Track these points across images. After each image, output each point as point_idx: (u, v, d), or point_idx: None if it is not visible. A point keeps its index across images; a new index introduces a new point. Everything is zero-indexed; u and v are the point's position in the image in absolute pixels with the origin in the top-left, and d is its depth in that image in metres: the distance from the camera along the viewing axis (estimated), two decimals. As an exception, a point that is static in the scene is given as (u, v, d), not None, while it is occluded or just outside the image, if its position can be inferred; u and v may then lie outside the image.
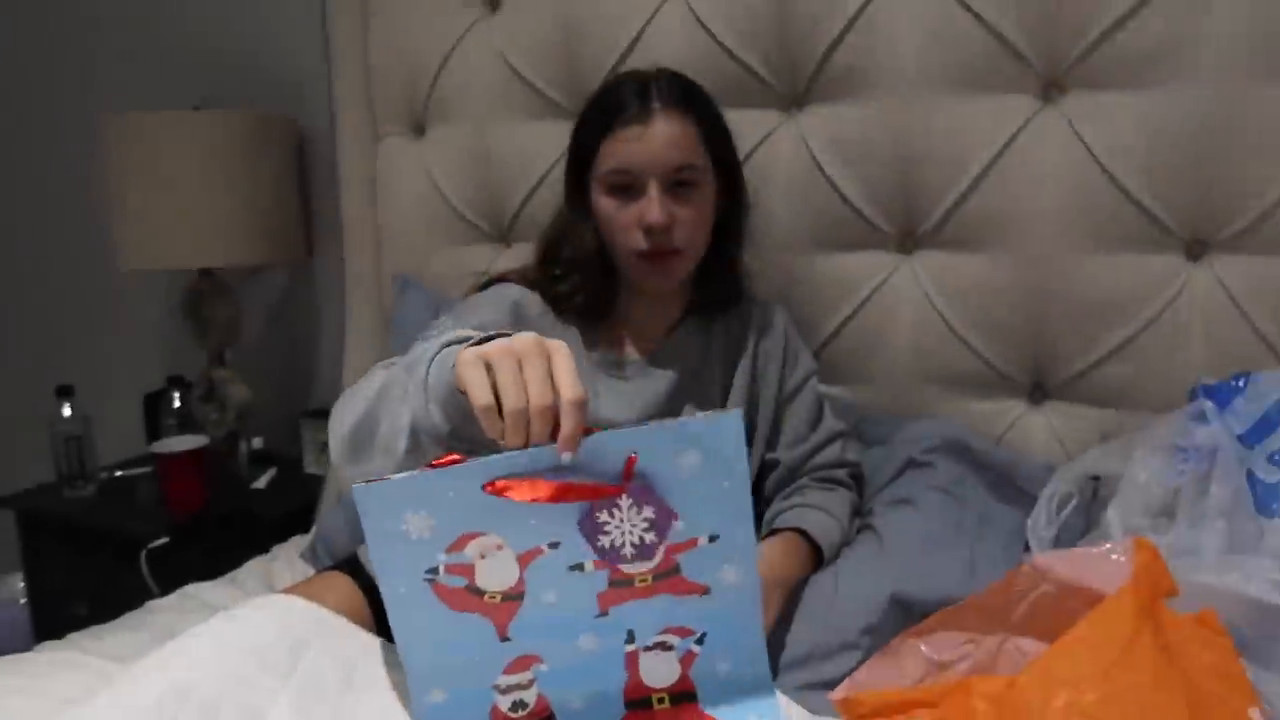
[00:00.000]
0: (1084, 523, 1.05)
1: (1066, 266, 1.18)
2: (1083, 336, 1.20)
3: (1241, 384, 0.94)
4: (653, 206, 1.03)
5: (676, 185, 1.04)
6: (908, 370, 1.31)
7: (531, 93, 1.49)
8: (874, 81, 1.24)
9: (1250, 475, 0.83)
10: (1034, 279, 1.21)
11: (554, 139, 1.46)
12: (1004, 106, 1.19)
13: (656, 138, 1.03)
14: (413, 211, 1.64)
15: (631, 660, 0.75)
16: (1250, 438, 0.87)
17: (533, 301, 1.11)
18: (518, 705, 0.75)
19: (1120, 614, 0.68)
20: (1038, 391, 1.27)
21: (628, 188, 1.05)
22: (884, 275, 1.30)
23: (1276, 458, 0.83)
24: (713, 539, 0.71)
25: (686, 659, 0.75)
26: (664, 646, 0.75)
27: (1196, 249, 1.14)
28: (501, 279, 1.15)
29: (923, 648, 0.78)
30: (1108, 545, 0.74)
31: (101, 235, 1.81)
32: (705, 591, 0.73)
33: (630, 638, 0.75)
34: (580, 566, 0.71)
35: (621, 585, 0.73)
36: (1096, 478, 1.09)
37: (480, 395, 0.67)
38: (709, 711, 0.76)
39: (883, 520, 1.09)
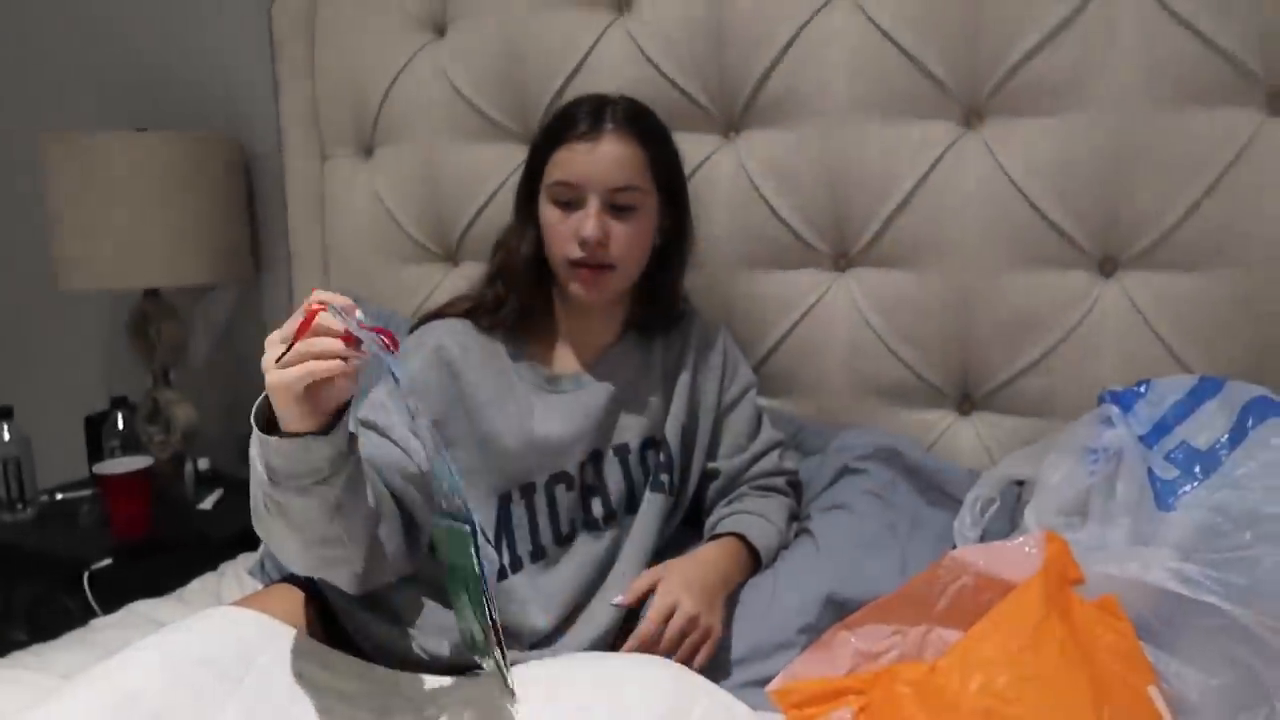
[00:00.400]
0: (1008, 525, 1.11)
1: (989, 283, 1.25)
2: (1005, 349, 1.26)
3: (1143, 389, 1.00)
4: (589, 221, 1.07)
5: (616, 206, 1.09)
6: (844, 383, 1.36)
7: (477, 116, 1.52)
8: (805, 108, 1.31)
9: (1150, 473, 0.89)
10: (959, 295, 1.27)
11: (500, 160, 1.51)
12: (928, 132, 1.26)
13: (603, 156, 1.08)
14: (361, 231, 1.67)
15: None
16: (1150, 438, 0.94)
17: (456, 333, 1.13)
18: None
19: (1029, 601, 0.73)
20: (966, 402, 1.33)
21: (570, 201, 1.09)
22: (820, 292, 1.36)
23: (1173, 456, 0.90)
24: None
25: None
26: None
27: (1108, 266, 1.22)
28: (435, 315, 1.17)
29: (853, 639, 0.82)
30: (1020, 539, 0.79)
31: (43, 255, 1.80)
32: None
33: None
34: None
35: None
36: (1021, 482, 1.15)
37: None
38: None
39: (818, 524, 1.14)
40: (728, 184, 1.37)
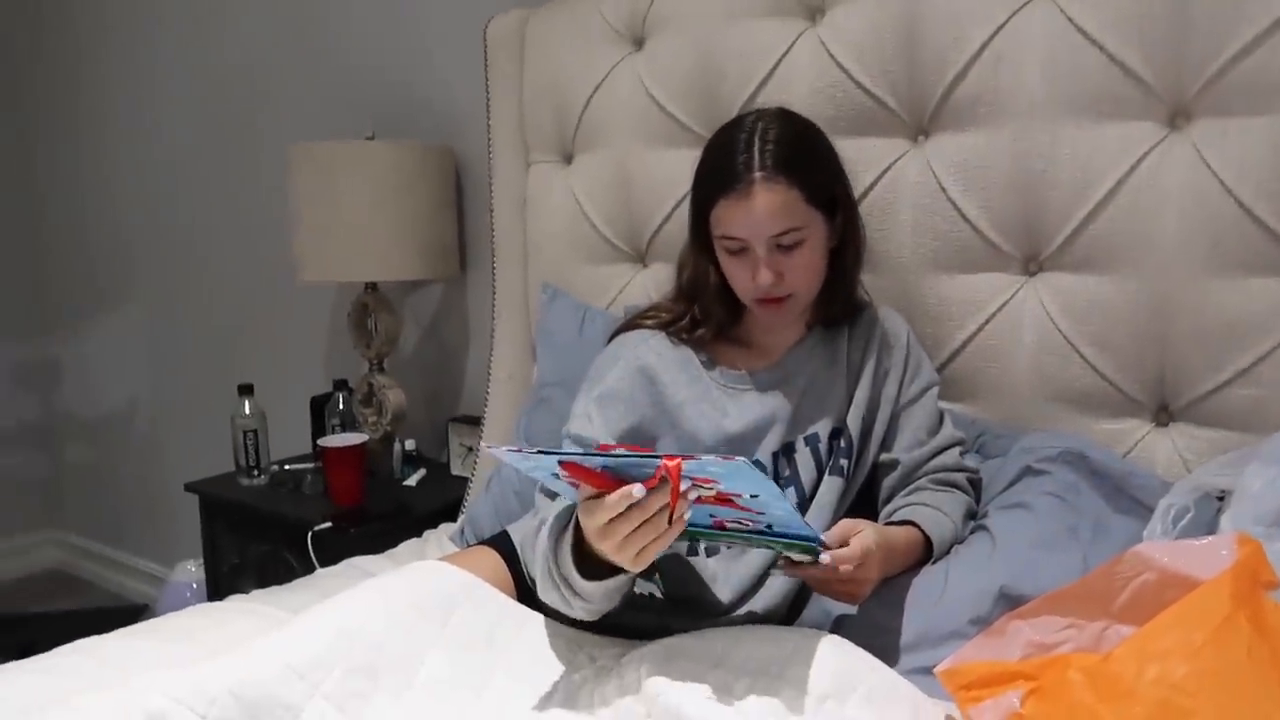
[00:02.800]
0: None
1: (1191, 289, 1.20)
2: (1209, 358, 1.21)
3: (1360, 397, 0.94)
4: (760, 272, 1.11)
5: (783, 245, 1.12)
6: (1030, 389, 1.34)
7: (671, 123, 1.60)
8: (999, 111, 1.30)
9: (1363, 482, 0.84)
10: (1159, 301, 1.23)
11: (690, 166, 1.56)
12: (1129, 133, 1.22)
13: (757, 209, 1.09)
14: (558, 233, 1.78)
15: None
16: (1364, 447, 0.88)
17: (650, 343, 1.20)
18: None
19: (1216, 598, 0.71)
20: (1163, 413, 1.28)
21: (740, 249, 1.13)
22: (1007, 296, 1.34)
23: (1389, 465, 0.84)
24: None
25: None
26: None
27: (1329, 273, 1.14)
28: (630, 326, 1.26)
29: (1026, 629, 0.83)
30: (1211, 539, 0.77)
31: (284, 251, 2.02)
32: None
33: None
34: None
35: None
36: (1222, 496, 1.10)
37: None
38: None
39: (996, 521, 1.13)
40: (914, 188, 1.38)
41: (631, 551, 0.85)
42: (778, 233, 1.10)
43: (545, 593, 1.00)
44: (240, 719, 0.90)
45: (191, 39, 2.61)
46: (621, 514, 0.83)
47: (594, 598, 0.96)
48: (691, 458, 0.81)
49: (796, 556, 0.96)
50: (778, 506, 0.88)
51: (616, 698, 0.94)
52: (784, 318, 1.18)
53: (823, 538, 0.97)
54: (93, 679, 1.04)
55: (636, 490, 0.81)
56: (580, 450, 0.84)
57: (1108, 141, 1.23)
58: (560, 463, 0.82)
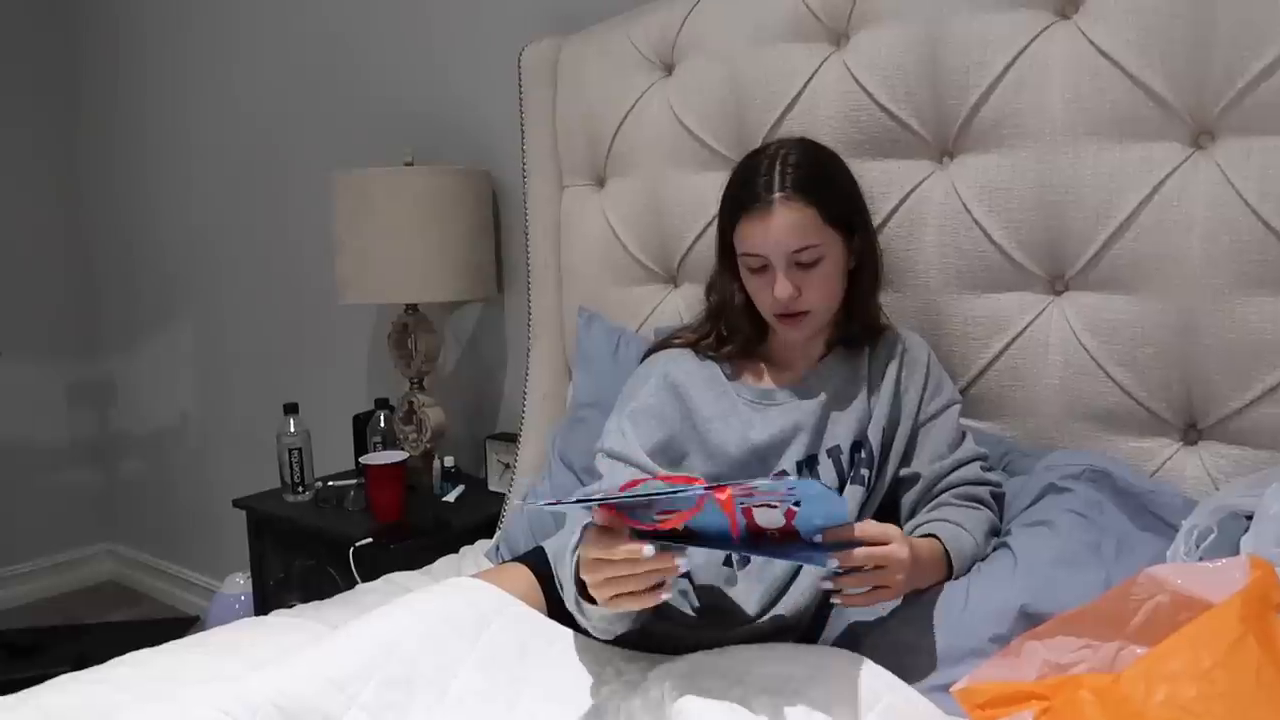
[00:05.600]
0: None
1: (1218, 308, 1.20)
2: (1236, 377, 1.21)
3: (1380, 418, 0.94)
4: (778, 284, 1.17)
5: (801, 263, 1.17)
6: (1057, 407, 1.34)
7: (700, 147, 1.63)
8: (1022, 133, 1.31)
9: (1382, 505, 0.84)
10: (1185, 320, 1.23)
11: (719, 189, 1.60)
12: (1152, 154, 1.23)
13: (776, 227, 1.16)
14: (592, 254, 1.82)
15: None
16: (1383, 468, 0.88)
17: (679, 360, 1.27)
18: None
19: (1226, 620, 0.72)
20: (1191, 431, 1.28)
21: (761, 266, 1.19)
22: (1033, 315, 1.35)
23: (1407, 487, 0.84)
24: None
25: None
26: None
27: (1357, 291, 1.14)
28: (663, 345, 1.32)
29: (1041, 649, 0.84)
30: (1224, 561, 0.78)
31: (326, 275, 2.08)
32: None
33: None
34: None
35: None
36: (1250, 516, 1.10)
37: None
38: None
39: (1018, 539, 1.14)
40: (939, 209, 1.40)
41: (608, 594, 0.90)
42: (795, 249, 1.16)
43: (568, 604, 1.06)
44: (281, 729, 0.94)
45: (234, 69, 2.70)
46: (614, 563, 0.87)
47: (593, 616, 1.02)
48: (739, 484, 0.84)
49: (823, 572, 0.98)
50: (809, 486, 0.89)
51: (641, 713, 0.97)
52: (802, 333, 1.23)
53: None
54: (142, 690, 1.09)
55: (646, 550, 0.84)
56: (613, 495, 0.86)
57: (1131, 162, 1.24)
58: (599, 505, 0.86)
